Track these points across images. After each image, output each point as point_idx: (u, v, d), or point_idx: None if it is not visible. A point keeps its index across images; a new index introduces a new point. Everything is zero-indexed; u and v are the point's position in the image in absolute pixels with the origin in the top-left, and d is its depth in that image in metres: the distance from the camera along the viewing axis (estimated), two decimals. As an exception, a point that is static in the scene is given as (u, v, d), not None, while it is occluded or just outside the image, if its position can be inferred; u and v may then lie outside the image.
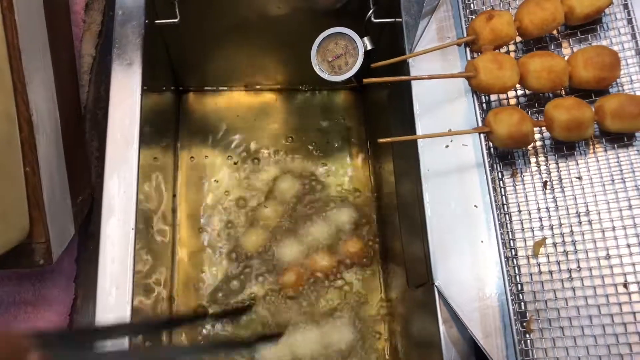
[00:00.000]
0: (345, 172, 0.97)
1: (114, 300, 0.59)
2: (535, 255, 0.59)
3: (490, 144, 0.62)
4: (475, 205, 0.62)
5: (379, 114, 0.91)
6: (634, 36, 0.62)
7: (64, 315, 0.64)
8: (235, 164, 0.96)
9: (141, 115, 0.66)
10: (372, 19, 0.77)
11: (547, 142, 0.62)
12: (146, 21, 0.70)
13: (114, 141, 0.65)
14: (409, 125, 0.67)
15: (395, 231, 0.80)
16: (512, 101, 0.64)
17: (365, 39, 0.76)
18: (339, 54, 0.76)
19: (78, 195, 0.64)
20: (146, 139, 0.69)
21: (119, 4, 0.70)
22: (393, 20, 0.74)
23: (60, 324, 0.63)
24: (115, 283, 0.60)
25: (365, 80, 0.61)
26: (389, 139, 0.63)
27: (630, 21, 0.63)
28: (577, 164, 0.61)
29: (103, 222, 0.62)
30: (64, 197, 0.60)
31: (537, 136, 0.62)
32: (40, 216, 0.53)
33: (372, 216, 0.94)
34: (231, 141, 0.98)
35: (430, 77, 0.63)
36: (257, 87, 1.01)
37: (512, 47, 0.66)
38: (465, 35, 0.65)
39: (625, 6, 0.64)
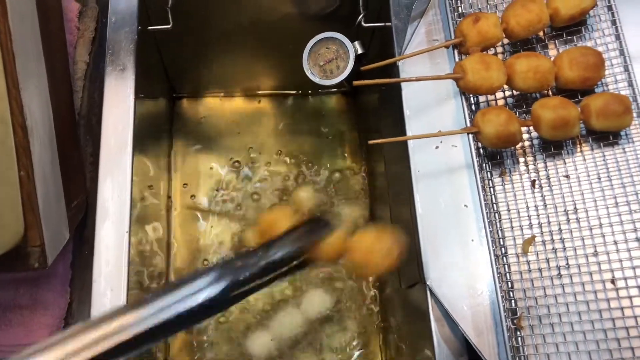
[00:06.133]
0: (338, 175, 0.97)
1: (108, 302, 0.60)
2: (525, 253, 0.59)
3: (480, 145, 0.63)
4: (465, 205, 0.62)
5: (371, 117, 0.92)
6: (617, 37, 0.63)
7: (60, 319, 0.64)
8: (228, 169, 0.97)
9: (134, 120, 0.67)
10: (363, 23, 0.77)
11: (535, 141, 0.63)
12: (139, 27, 0.71)
13: (108, 146, 0.66)
14: (400, 127, 0.68)
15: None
16: (500, 102, 0.65)
17: (356, 43, 0.77)
18: (330, 59, 0.77)
19: (72, 200, 0.64)
20: (140, 144, 0.70)
21: (112, 9, 0.71)
22: (383, 24, 0.75)
23: (55, 328, 0.64)
24: (110, 285, 0.60)
25: (355, 82, 0.62)
26: (379, 140, 0.63)
27: (614, 22, 0.64)
28: (565, 163, 0.62)
29: (97, 225, 0.63)
30: (59, 202, 0.60)
31: (525, 136, 0.63)
32: (35, 220, 0.54)
33: (366, 217, 0.94)
34: (224, 147, 0.98)
35: (419, 79, 0.64)
36: (250, 92, 1.01)
37: (499, 49, 0.67)
38: (453, 37, 0.66)
39: (609, 8, 0.65)
